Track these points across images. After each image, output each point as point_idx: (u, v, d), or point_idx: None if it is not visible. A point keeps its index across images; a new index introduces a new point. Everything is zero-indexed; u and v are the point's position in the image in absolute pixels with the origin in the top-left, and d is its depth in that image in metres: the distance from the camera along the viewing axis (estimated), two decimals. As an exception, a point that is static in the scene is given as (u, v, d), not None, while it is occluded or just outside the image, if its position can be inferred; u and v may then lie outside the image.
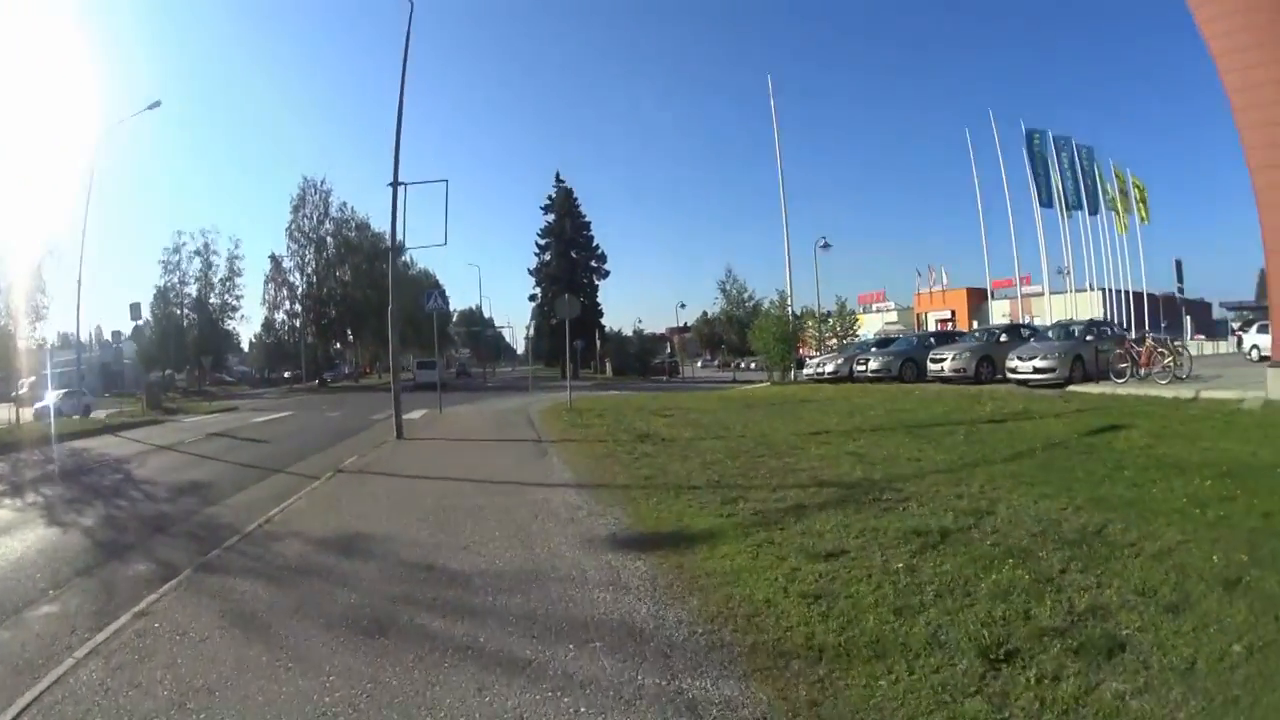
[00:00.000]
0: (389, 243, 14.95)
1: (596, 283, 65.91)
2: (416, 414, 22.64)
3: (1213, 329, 58.50)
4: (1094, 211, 48.88)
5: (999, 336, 22.61)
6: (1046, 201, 46.55)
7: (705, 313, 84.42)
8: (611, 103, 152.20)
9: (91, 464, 14.51)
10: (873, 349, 27.80)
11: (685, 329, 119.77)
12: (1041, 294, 52.66)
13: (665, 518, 6.81)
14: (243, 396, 48.60)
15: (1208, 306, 66.85)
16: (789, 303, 35.77)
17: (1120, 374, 16.12)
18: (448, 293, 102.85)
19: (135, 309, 26.41)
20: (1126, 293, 49.33)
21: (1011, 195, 46.88)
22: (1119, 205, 49.15)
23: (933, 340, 25.91)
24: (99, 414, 28.21)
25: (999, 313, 56.53)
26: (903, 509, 6.28)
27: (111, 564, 6.88)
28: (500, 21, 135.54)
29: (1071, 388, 16.66)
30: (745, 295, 60.64)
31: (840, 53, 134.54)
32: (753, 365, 70.00)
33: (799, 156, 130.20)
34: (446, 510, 7.80)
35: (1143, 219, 51.19)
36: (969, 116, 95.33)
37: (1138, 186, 51.04)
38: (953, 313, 66.19)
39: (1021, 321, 38.03)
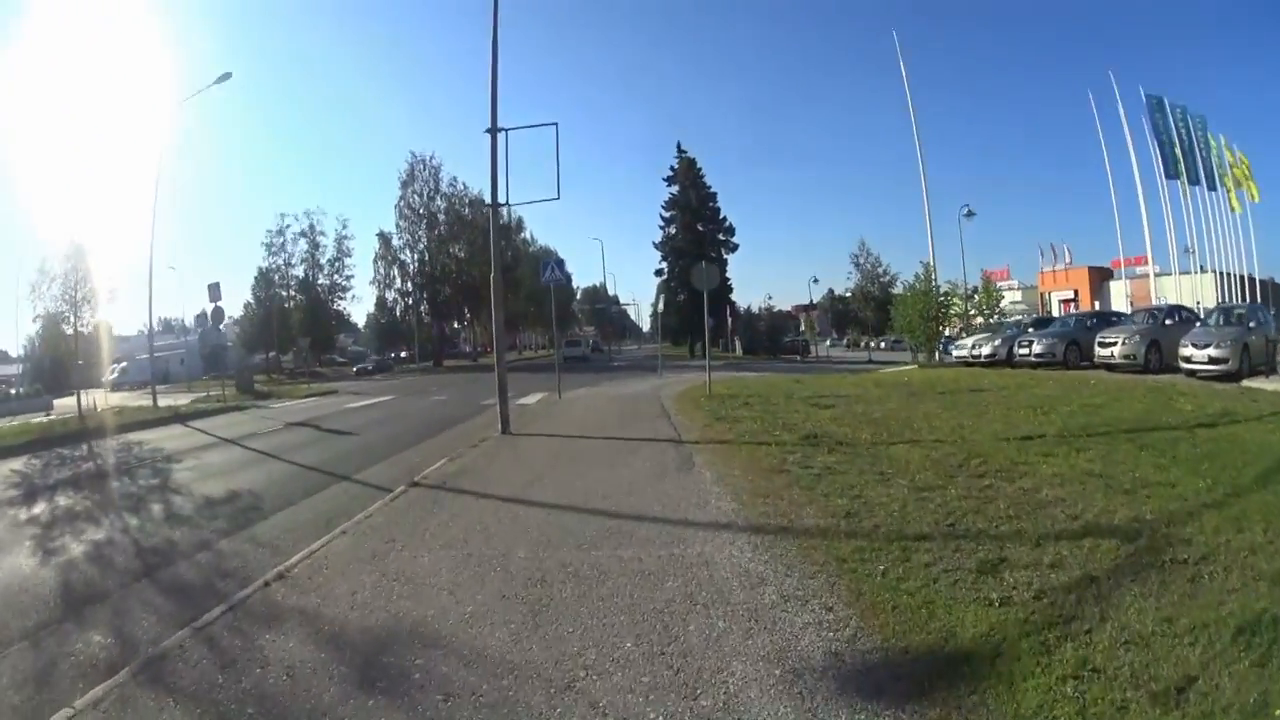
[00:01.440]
0: (489, 201, 12.04)
1: (725, 256, 61.17)
2: (532, 399, 20.25)
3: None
4: (1212, 187, 45.12)
5: (1163, 320, 20.12)
6: (1172, 173, 42.75)
7: (830, 290, 79.49)
8: (735, 69, 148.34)
9: (133, 462, 12.58)
10: (1029, 329, 24.73)
11: (812, 306, 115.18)
12: (1159, 274, 47.56)
13: (908, 605, 3.97)
14: (351, 378, 47.56)
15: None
16: (934, 277, 31.43)
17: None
18: (570, 270, 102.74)
19: (214, 289, 24.59)
20: (1243, 276, 45.38)
21: (1127, 166, 43.42)
22: (1233, 180, 44.98)
23: (1092, 321, 22.77)
24: (176, 400, 26.85)
25: (1119, 294, 55.51)
26: (1218, 578, 4.18)
27: (40, 637, 4.67)
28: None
29: (1245, 382, 14.70)
30: (880, 269, 55.65)
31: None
32: (882, 345, 65.80)
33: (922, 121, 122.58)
34: (547, 577, 4.80)
35: (1253, 197, 46.33)
36: (1087, 79, 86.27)
37: (1243, 161, 46.42)
38: (1075, 292, 62.58)
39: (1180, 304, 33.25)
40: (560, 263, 18.36)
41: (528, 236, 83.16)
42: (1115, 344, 18.94)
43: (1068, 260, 64.79)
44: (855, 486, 6.68)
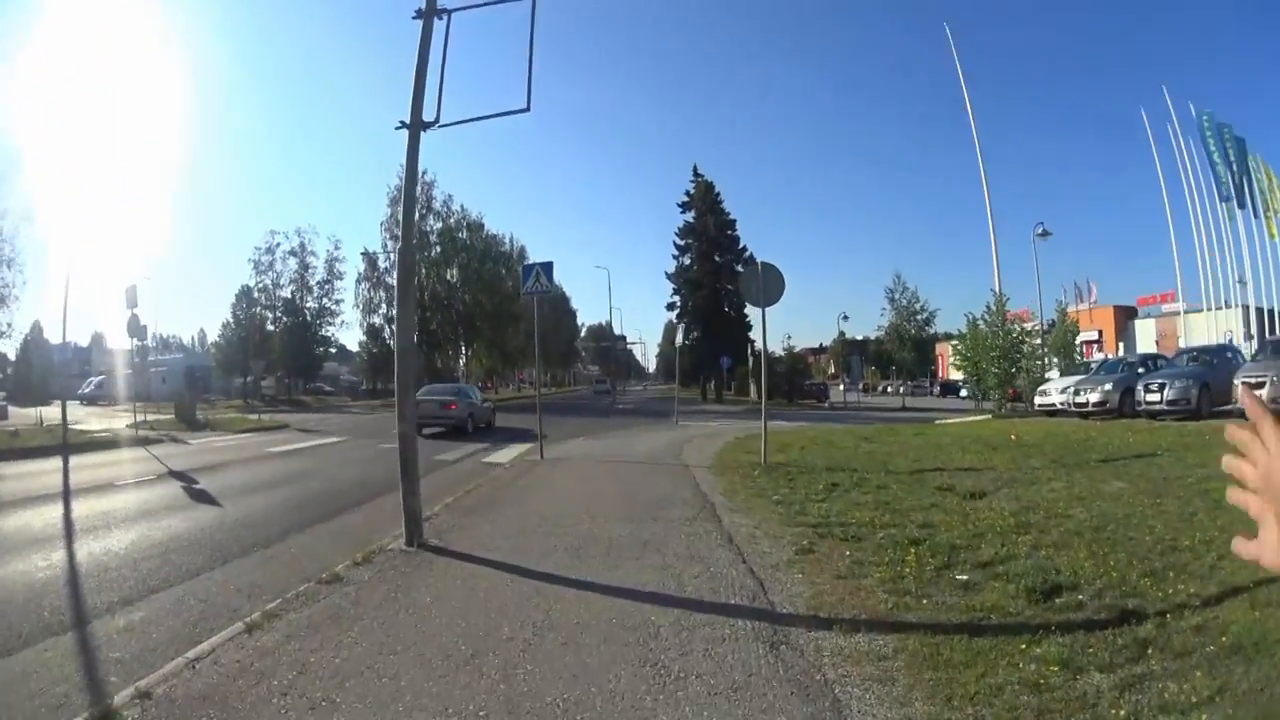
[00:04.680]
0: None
1: None
2: (506, 455, 14.82)
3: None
4: (1256, 214, 40.65)
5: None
6: (1227, 195, 39.19)
7: (841, 333, 74.05)
8: (759, 93, 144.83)
9: None
10: (1138, 370, 20.03)
11: (822, 350, 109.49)
12: (1186, 311, 44.27)
13: None
14: (329, 410, 42.86)
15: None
16: (1005, 309, 25.97)
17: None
18: (575, 307, 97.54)
19: (131, 294, 20.66)
20: (1272, 311, 40.51)
21: (1173, 190, 41.00)
22: (1271, 203, 40.33)
23: (1213, 359, 18.77)
24: (115, 421, 22.51)
25: (1145, 333, 53.17)
26: None
27: None
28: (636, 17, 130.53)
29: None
30: (918, 305, 49.79)
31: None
32: (902, 389, 60.40)
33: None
34: None
35: None
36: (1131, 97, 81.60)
37: (1269, 175, 41.44)
38: (1100, 333, 57.26)
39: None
40: (548, 269, 12.71)
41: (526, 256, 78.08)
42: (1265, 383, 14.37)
43: (1093, 299, 59.28)
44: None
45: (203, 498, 10.33)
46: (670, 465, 12.47)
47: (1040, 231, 28.29)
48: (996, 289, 26.19)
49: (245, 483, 11.87)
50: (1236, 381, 15.22)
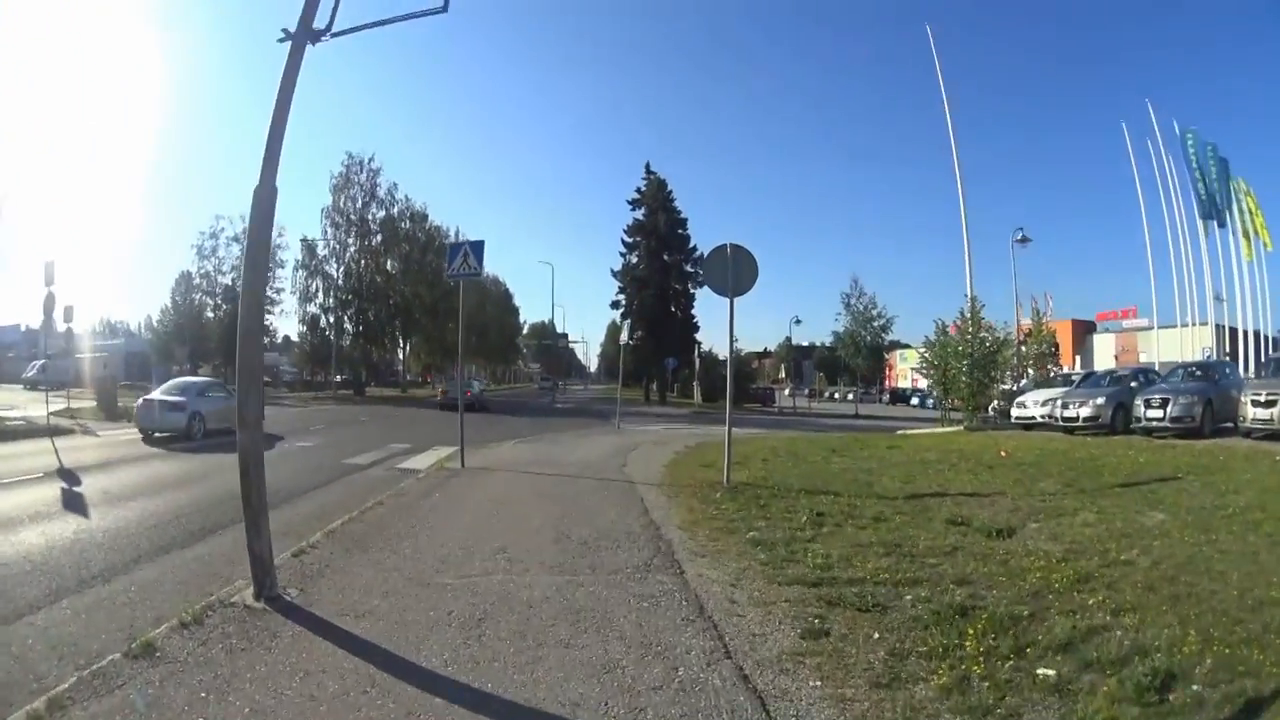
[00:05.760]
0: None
1: (692, 291, 54.06)
2: (426, 460, 13.04)
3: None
4: (1238, 234, 39.78)
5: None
6: (1208, 213, 38.26)
7: (789, 338, 73.21)
8: (715, 85, 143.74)
9: None
10: (1131, 383, 18.68)
11: (767, 354, 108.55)
12: (1149, 328, 43.06)
13: None
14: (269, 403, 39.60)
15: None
16: (980, 315, 24.62)
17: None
18: (517, 303, 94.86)
19: (49, 269, 18.23)
20: (1245, 331, 39.66)
21: (1149, 204, 39.26)
22: (1251, 225, 39.81)
23: (1217, 375, 17.68)
24: (38, 409, 20.06)
25: (1103, 348, 53.00)
26: None
27: None
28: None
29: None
30: (875, 311, 48.55)
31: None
32: (850, 396, 59.51)
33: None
34: None
35: (1268, 246, 40.84)
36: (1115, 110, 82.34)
37: (1250, 199, 40.99)
38: (1056, 346, 56.35)
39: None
40: (478, 249, 10.73)
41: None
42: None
43: (1049, 311, 59.12)
44: None
45: (74, 505, 8.82)
46: (613, 481, 10.55)
47: (1020, 237, 27.10)
48: (969, 292, 24.78)
49: (128, 486, 10.08)
50: (1244, 399, 14.44)
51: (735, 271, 9.54)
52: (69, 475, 10.91)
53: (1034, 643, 3.81)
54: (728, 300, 9.70)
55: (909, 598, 4.66)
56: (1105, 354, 54.92)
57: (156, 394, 17.74)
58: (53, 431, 16.58)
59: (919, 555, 5.75)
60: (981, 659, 3.57)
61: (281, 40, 5.46)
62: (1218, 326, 41.01)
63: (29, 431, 17.22)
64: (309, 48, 5.53)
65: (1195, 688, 3.27)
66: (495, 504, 8.41)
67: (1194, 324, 39.92)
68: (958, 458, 12.73)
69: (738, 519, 7.21)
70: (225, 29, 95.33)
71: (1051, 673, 3.43)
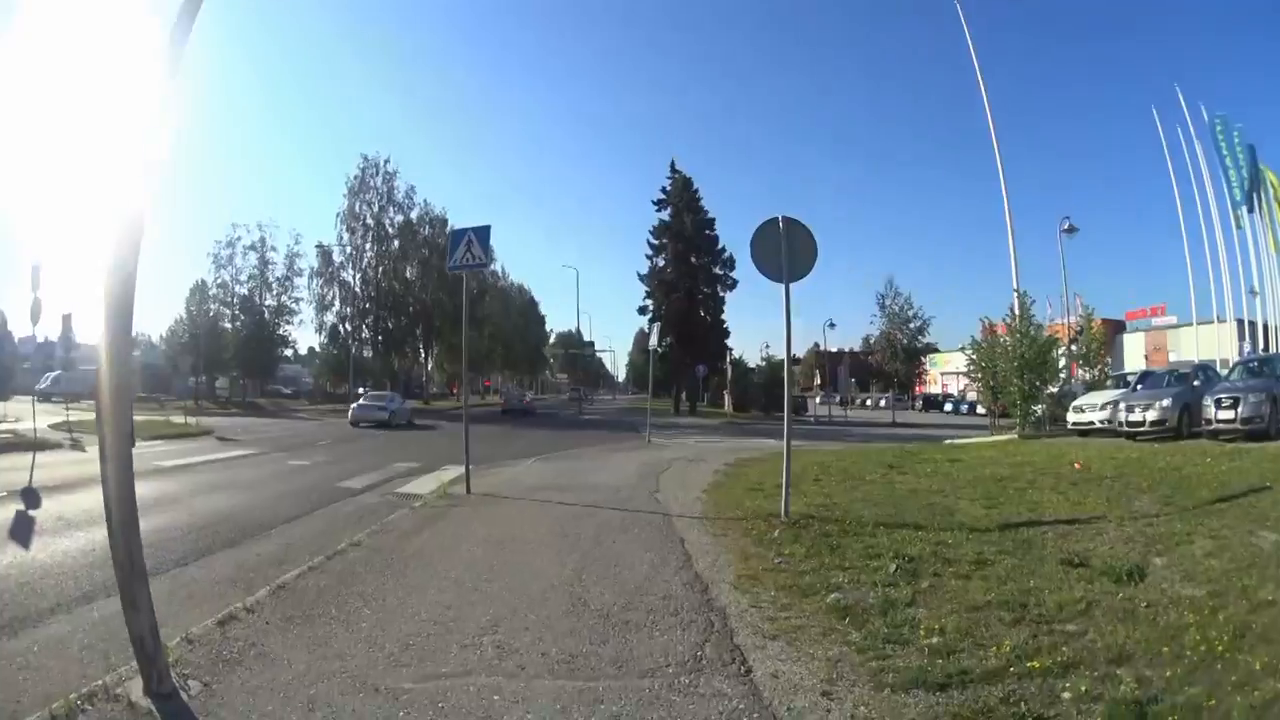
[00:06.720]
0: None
1: (722, 294, 51.81)
2: (429, 484, 11.69)
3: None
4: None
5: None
6: (1242, 202, 37.70)
7: (816, 344, 71.18)
8: (741, 84, 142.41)
9: None
10: (1194, 382, 17.32)
11: (796, 361, 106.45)
12: (1179, 325, 45.82)
13: None
14: (282, 414, 40.34)
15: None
16: (1030, 312, 22.83)
17: None
18: (544, 312, 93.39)
19: (36, 273, 16.88)
20: (1271, 325, 38.68)
21: (1184, 195, 39.34)
22: (1277, 217, 38.58)
23: (1263, 367, 16.65)
24: (37, 421, 18.85)
25: (1133, 347, 53.30)
26: None
27: None
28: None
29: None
30: (911, 313, 46.63)
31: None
32: (882, 403, 57.64)
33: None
34: None
35: None
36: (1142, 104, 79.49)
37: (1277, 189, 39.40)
38: (1104, 346, 54.90)
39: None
40: (483, 235, 9.07)
41: (498, 269, 74.02)
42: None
43: (1080, 311, 57.08)
44: None
45: (19, 533, 7.74)
46: (644, 514, 8.77)
47: (1066, 226, 25.36)
48: (1016, 287, 22.96)
49: (85, 512, 8.61)
50: (1207, 400, 14.48)
51: (790, 249, 7.73)
52: (30, 495, 9.99)
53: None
54: (782, 287, 7.78)
55: (1067, 695, 3.13)
56: (1136, 353, 53.69)
57: (366, 400, 33.15)
58: (38, 446, 15.43)
59: (1051, 619, 4.21)
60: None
61: None
62: (1249, 322, 40.10)
63: (15, 445, 16.50)
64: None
65: None
66: (496, 548, 6.74)
67: (1229, 319, 39.35)
68: (1031, 472, 10.98)
69: (808, 570, 5.52)
70: (243, 35, 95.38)
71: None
